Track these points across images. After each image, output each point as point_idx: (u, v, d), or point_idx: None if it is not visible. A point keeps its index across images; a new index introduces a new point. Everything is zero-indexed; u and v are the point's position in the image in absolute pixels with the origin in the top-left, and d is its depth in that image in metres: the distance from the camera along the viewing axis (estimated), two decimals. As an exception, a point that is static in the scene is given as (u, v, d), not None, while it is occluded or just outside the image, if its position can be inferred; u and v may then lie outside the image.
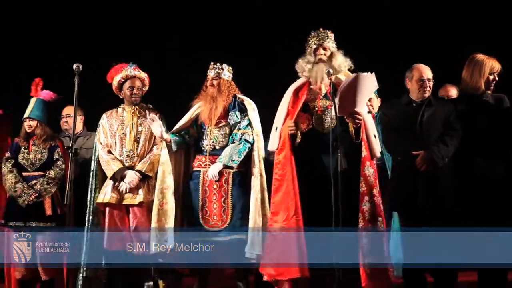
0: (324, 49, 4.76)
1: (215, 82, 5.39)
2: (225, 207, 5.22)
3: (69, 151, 4.53)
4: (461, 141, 4.77)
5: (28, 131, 5.60)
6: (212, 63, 5.44)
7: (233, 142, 5.31)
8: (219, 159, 5.24)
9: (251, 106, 5.42)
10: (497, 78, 4.89)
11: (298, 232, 4.55)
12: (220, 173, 5.22)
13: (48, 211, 5.39)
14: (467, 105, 4.86)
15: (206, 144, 5.35)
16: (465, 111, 4.84)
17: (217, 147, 5.34)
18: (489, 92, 4.90)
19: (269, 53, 7.01)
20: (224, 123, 5.38)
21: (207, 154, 5.33)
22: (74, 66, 4.56)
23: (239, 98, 5.46)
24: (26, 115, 5.59)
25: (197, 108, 5.42)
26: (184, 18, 7.15)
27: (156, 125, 5.24)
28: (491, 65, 4.86)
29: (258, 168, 5.25)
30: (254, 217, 5.15)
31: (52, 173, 5.49)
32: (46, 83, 5.66)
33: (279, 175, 4.71)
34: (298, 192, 4.58)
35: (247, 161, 5.31)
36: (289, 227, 4.58)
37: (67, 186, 4.44)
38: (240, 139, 5.29)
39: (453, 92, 5.56)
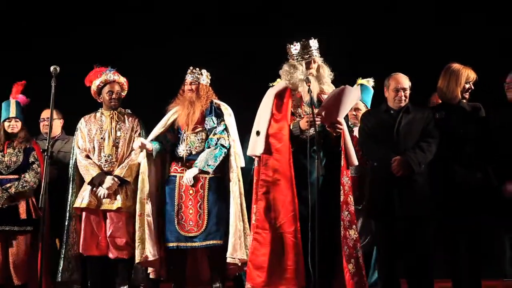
0: (314, 62, 4.76)
1: (193, 87, 5.38)
2: (200, 212, 5.20)
3: (45, 154, 4.47)
4: (438, 148, 4.79)
5: (10, 131, 5.52)
6: (191, 67, 5.43)
7: (209, 147, 5.29)
8: (195, 164, 5.21)
9: (227, 111, 5.42)
10: (472, 87, 4.95)
11: (296, 233, 4.50)
12: (196, 179, 5.20)
13: (23, 215, 5.31)
14: (445, 113, 4.90)
15: (183, 149, 5.33)
16: (443, 119, 4.88)
17: (194, 152, 5.31)
18: (465, 101, 4.95)
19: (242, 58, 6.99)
20: (200, 128, 5.36)
21: (184, 159, 5.31)
22: (51, 68, 4.53)
23: (215, 103, 5.46)
24: (11, 114, 5.51)
25: (174, 113, 5.40)
26: (164, 20, 7.12)
27: (137, 141, 5.23)
28: (467, 74, 4.91)
29: (236, 173, 5.25)
30: (235, 222, 5.15)
31: (27, 176, 5.41)
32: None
33: (271, 177, 4.63)
34: (296, 194, 4.53)
35: (223, 167, 5.31)
36: (288, 227, 4.52)
37: (42, 190, 4.38)
38: (216, 144, 5.27)
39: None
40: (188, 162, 5.28)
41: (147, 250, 5.10)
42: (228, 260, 5.11)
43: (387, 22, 6.92)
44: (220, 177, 5.31)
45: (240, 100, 5.75)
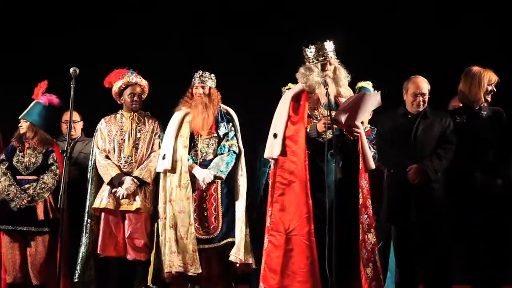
0: (330, 64, 4.74)
1: (205, 91, 5.44)
2: (215, 214, 5.28)
3: (64, 155, 4.51)
4: (458, 154, 4.73)
5: (21, 132, 5.56)
6: (200, 71, 5.49)
7: (221, 153, 5.37)
8: (209, 169, 5.29)
9: (235, 117, 5.51)
10: (495, 89, 4.88)
11: (309, 236, 4.48)
12: (209, 182, 5.27)
13: (40, 216, 5.34)
14: (466, 118, 4.85)
15: (195, 154, 5.39)
16: (464, 123, 4.82)
17: (207, 158, 5.38)
18: (486, 104, 4.88)
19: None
20: (214, 134, 5.43)
21: (198, 164, 5.36)
22: (71, 70, 4.55)
23: (223, 108, 5.53)
24: (20, 116, 5.57)
25: (183, 117, 5.44)
26: (182, 24, 7.14)
27: (207, 179, 5.26)
28: (489, 77, 4.85)
29: (244, 177, 5.38)
30: (241, 225, 5.25)
31: (45, 177, 5.43)
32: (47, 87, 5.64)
33: (286, 179, 4.63)
34: (310, 196, 4.52)
35: (231, 171, 5.39)
36: (300, 230, 4.50)
37: (61, 190, 4.41)
38: (229, 150, 5.37)
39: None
40: (201, 166, 5.34)
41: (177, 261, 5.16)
42: (231, 258, 5.19)
43: (390, 22, 6.86)
44: (229, 180, 5.38)
45: (242, 103, 5.81)
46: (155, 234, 5.35)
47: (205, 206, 5.28)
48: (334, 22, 6.72)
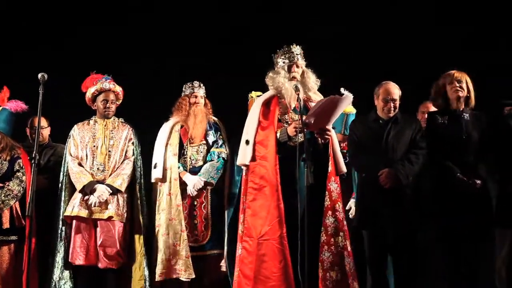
0: (297, 66, 4.75)
1: (201, 100, 5.54)
2: (205, 222, 5.33)
3: (33, 161, 4.44)
4: (438, 154, 4.74)
5: None
6: (195, 81, 5.57)
7: (211, 160, 5.42)
8: (199, 175, 5.34)
9: (223, 125, 5.59)
10: (457, 85, 4.83)
11: (281, 240, 4.49)
12: (199, 189, 5.31)
13: (6, 224, 5.18)
14: (448, 119, 4.84)
15: (185, 161, 5.43)
16: (445, 124, 4.82)
17: (196, 165, 5.43)
18: (468, 107, 4.86)
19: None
20: (203, 141, 5.49)
21: (187, 171, 5.39)
22: (39, 75, 4.51)
23: (210, 118, 5.61)
24: None
25: (174, 126, 5.48)
26: (158, 30, 7.10)
27: (198, 185, 5.29)
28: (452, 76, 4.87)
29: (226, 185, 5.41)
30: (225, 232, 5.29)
31: (11, 184, 5.26)
32: (12, 92, 5.55)
33: (257, 184, 4.65)
34: (282, 199, 4.52)
35: (220, 179, 5.43)
36: (272, 234, 4.50)
37: (29, 198, 4.34)
38: (218, 157, 5.43)
39: (434, 108, 5.52)
40: (191, 173, 5.39)
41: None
42: (223, 268, 5.23)
43: (360, 28, 6.86)
44: (218, 188, 5.42)
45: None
46: (141, 244, 5.34)
47: (195, 214, 5.34)
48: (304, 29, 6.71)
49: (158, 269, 5.22)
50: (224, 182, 5.44)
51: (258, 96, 5.63)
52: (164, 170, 5.34)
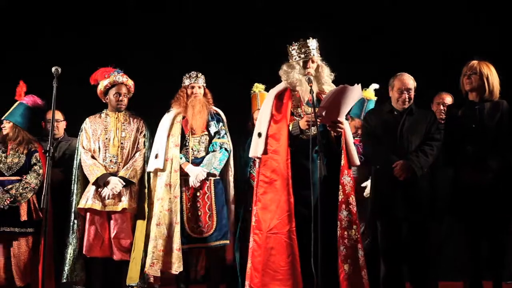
0: (312, 61, 4.72)
1: (202, 90, 5.48)
2: (209, 213, 5.27)
3: (47, 154, 4.46)
4: (449, 149, 4.73)
5: (3, 133, 5.51)
6: (193, 72, 5.50)
7: (213, 150, 5.37)
8: (202, 166, 5.28)
9: (224, 117, 5.56)
10: (469, 78, 4.81)
11: (290, 234, 4.46)
12: (202, 180, 5.26)
13: (24, 217, 5.27)
14: (465, 110, 4.82)
15: (187, 152, 5.38)
16: (462, 116, 4.79)
17: (198, 156, 5.38)
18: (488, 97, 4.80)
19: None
20: (205, 132, 5.43)
21: (189, 162, 5.34)
22: (53, 69, 4.49)
23: (212, 109, 5.57)
24: (3, 117, 5.52)
25: (175, 117, 5.44)
26: (165, 24, 7.09)
27: (200, 176, 5.24)
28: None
29: (232, 176, 5.44)
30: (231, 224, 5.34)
31: (28, 178, 5.36)
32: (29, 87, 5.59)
33: (268, 177, 4.62)
34: (292, 193, 4.49)
35: (222, 170, 5.40)
36: (281, 228, 4.48)
37: (44, 190, 4.35)
38: (221, 147, 5.38)
39: (448, 99, 5.55)
40: (193, 164, 5.33)
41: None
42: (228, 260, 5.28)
43: (375, 20, 6.85)
44: (221, 179, 5.40)
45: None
46: (145, 233, 5.31)
47: (198, 205, 5.28)
48: (319, 21, 6.69)
49: (149, 259, 5.15)
50: (227, 173, 5.43)
51: (259, 90, 5.71)
52: (165, 160, 5.30)
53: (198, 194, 5.29)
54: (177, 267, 5.11)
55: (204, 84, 5.53)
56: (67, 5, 6.97)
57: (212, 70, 5.77)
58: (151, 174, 5.37)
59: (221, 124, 5.50)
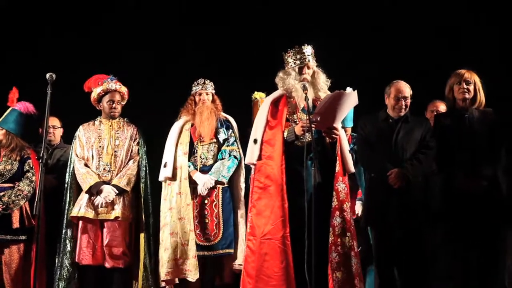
0: (308, 67, 4.74)
1: (210, 97, 5.51)
2: (216, 221, 5.29)
3: (40, 161, 4.43)
4: (444, 156, 4.74)
5: None
6: (202, 78, 5.54)
7: (222, 158, 5.38)
8: (210, 173, 5.31)
9: (235, 124, 5.55)
10: (465, 87, 4.85)
11: (284, 240, 4.46)
12: (210, 188, 5.28)
13: (16, 224, 5.21)
14: (453, 119, 4.85)
15: (196, 160, 5.39)
16: (450, 126, 4.83)
17: (207, 164, 5.40)
18: (474, 107, 4.86)
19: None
20: (214, 139, 5.45)
21: (198, 170, 5.36)
22: (47, 75, 4.48)
23: (222, 115, 5.57)
24: None
25: (183, 125, 5.46)
26: (161, 31, 7.09)
27: (208, 184, 5.25)
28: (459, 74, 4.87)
29: (243, 183, 5.41)
30: (242, 231, 5.29)
31: (21, 185, 5.31)
32: (24, 92, 5.56)
33: (263, 183, 4.63)
34: (287, 199, 4.50)
35: (232, 177, 5.41)
36: (275, 233, 4.48)
37: (37, 197, 4.33)
38: (230, 155, 5.39)
39: (442, 107, 5.57)
40: (202, 172, 5.36)
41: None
42: (236, 267, 5.25)
43: (371, 28, 6.87)
44: (230, 187, 5.42)
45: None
46: (143, 244, 5.31)
47: (206, 213, 5.30)
48: (316, 27, 6.70)
49: (165, 268, 5.19)
50: (238, 180, 5.43)
51: (260, 97, 5.71)
52: (174, 169, 5.32)
53: (206, 202, 5.31)
54: (193, 274, 5.13)
55: (213, 91, 5.55)
56: (61, 11, 6.95)
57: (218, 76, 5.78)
58: (163, 184, 5.40)
59: (230, 131, 5.49)
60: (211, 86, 5.55)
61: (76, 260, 5.26)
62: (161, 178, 5.41)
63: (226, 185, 5.36)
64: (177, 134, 5.43)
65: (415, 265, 4.72)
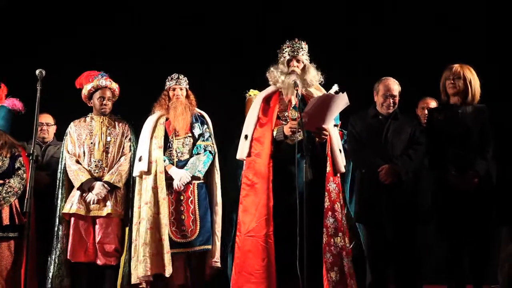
0: (298, 61, 4.75)
1: (184, 92, 5.45)
2: (193, 218, 5.23)
3: (30, 158, 4.42)
4: (432, 152, 4.75)
5: None
6: (176, 74, 5.48)
7: (197, 153, 5.33)
8: (186, 169, 5.25)
9: (209, 120, 5.51)
10: (453, 81, 4.82)
11: (267, 238, 4.48)
12: (186, 184, 5.22)
13: (6, 221, 5.17)
14: (445, 114, 4.84)
15: (171, 154, 5.34)
16: (442, 121, 4.82)
17: (182, 158, 5.34)
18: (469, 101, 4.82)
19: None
20: (189, 134, 5.40)
21: (174, 164, 5.30)
22: (37, 71, 4.49)
23: (197, 111, 5.54)
24: None
25: (158, 119, 5.41)
26: (149, 26, 7.08)
27: (184, 179, 5.20)
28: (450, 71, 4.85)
29: (218, 179, 5.37)
30: (219, 229, 5.28)
31: (12, 181, 5.26)
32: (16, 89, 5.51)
33: (250, 180, 4.65)
34: (272, 197, 4.51)
35: (207, 173, 5.36)
36: (258, 231, 4.50)
37: (27, 194, 4.33)
38: (205, 150, 5.34)
39: (433, 104, 5.58)
40: (177, 167, 5.30)
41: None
42: (213, 264, 5.21)
43: (360, 24, 6.88)
44: (205, 183, 5.36)
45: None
46: (127, 239, 5.29)
47: (182, 209, 5.23)
48: (307, 26, 6.70)
49: (147, 263, 5.07)
50: (213, 176, 5.37)
51: (255, 95, 5.68)
52: (149, 163, 5.23)
53: (181, 198, 5.25)
54: (168, 270, 5.07)
55: (187, 86, 5.49)
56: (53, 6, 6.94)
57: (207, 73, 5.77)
58: (137, 179, 5.31)
59: (205, 126, 5.44)
60: (185, 81, 5.47)
61: (68, 257, 5.25)
62: (135, 172, 5.30)
63: (201, 181, 5.31)
64: (152, 128, 5.35)
65: (408, 261, 4.73)
